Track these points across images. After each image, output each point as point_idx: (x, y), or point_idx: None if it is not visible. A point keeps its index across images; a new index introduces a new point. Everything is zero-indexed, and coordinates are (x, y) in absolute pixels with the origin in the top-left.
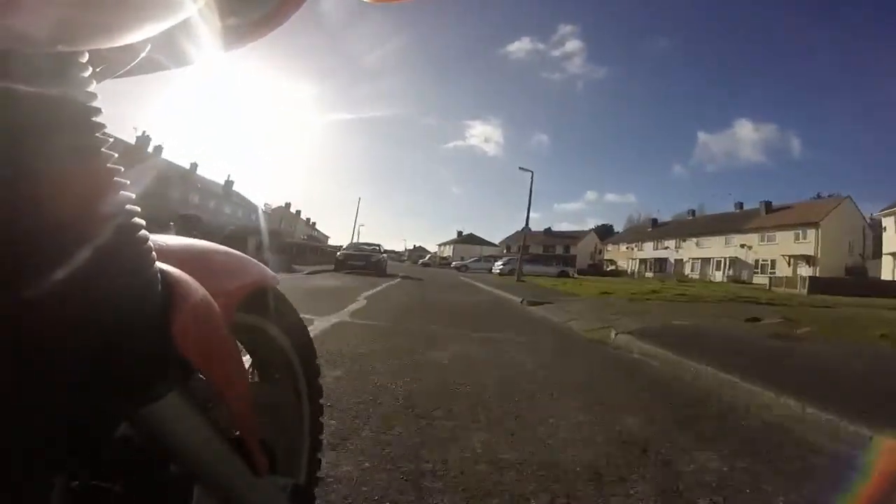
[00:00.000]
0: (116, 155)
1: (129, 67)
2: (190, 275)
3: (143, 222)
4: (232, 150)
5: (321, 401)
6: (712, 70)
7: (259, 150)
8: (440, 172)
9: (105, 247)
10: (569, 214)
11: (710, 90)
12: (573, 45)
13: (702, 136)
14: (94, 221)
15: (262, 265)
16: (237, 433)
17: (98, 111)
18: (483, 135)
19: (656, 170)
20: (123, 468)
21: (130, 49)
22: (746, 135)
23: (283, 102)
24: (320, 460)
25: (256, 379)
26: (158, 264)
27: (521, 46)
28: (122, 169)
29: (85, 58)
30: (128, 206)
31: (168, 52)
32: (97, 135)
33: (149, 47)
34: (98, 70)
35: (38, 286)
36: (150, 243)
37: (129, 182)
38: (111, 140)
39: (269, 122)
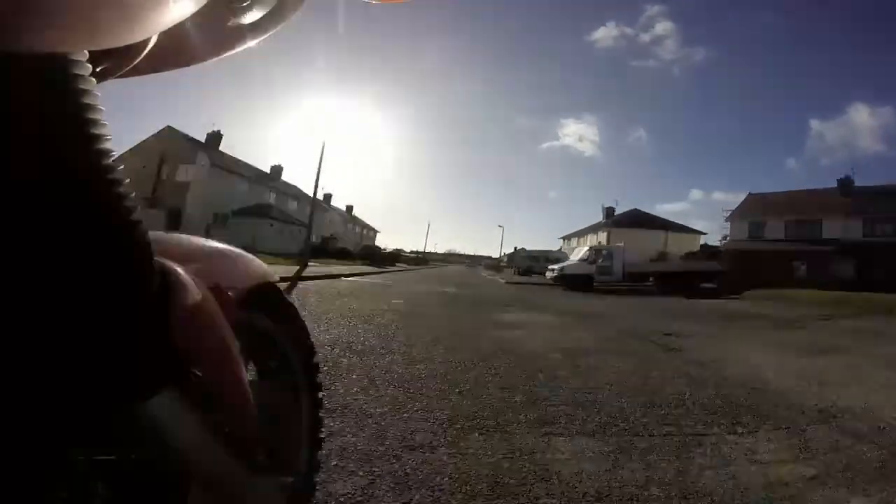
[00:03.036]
0: (116, 153)
1: (129, 67)
2: (191, 272)
3: (142, 219)
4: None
5: (320, 397)
6: (821, 47)
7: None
8: (535, 175)
9: (101, 244)
10: (673, 215)
11: (820, 70)
12: (663, 26)
13: (815, 124)
14: (92, 219)
15: (263, 263)
16: (235, 431)
17: (98, 111)
18: (577, 133)
19: (767, 164)
20: (120, 464)
21: (131, 49)
22: (862, 121)
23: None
24: (319, 458)
25: (256, 377)
26: (159, 261)
27: (606, 33)
28: (122, 167)
29: (85, 58)
30: (126, 204)
31: (169, 52)
32: (96, 134)
33: (149, 47)
34: (99, 70)
35: (34, 282)
36: (149, 240)
37: (128, 180)
38: (110, 138)
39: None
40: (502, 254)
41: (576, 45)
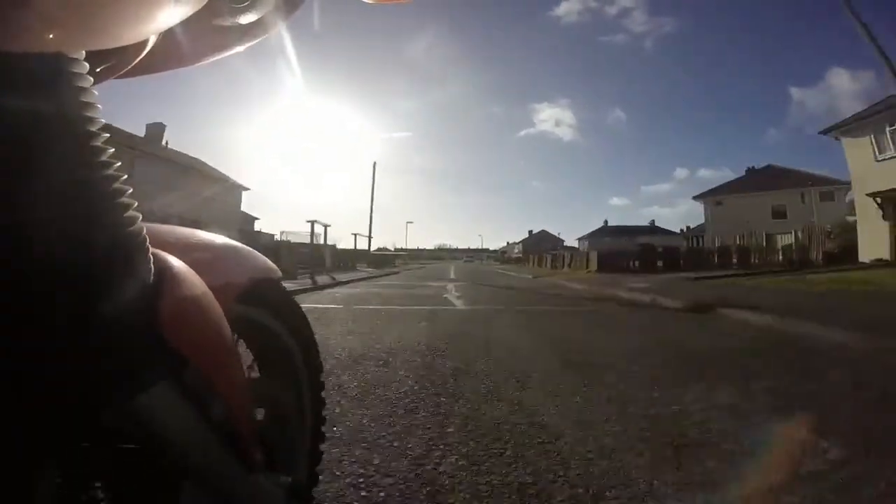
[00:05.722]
0: (113, 150)
1: (129, 68)
2: (189, 265)
3: (138, 215)
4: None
5: (322, 395)
6: (794, 8)
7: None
8: (516, 166)
9: (94, 234)
10: (659, 197)
11: (796, 34)
12: None
13: (795, 92)
14: (86, 211)
15: (266, 258)
16: (232, 427)
17: (97, 109)
18: (553, 118)
19: (751, 137)
20: (111, 461)
21: (131, 49)
22: (843, 85)
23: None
24: (321, 457)
25: (256, 373)
26: (155, 253)
27: (569, 8)
28: (119, 163)
29: (84, 58)
30: (121, 199)
31: (169, 52)
32: (94, 131)
33: (149, 48)
34: (98, 70)
35: (26, 275)
36: (144, 232)
37: (125, 175)
38: (107, 135)
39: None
40: (507, 243)
41: (539, 23)
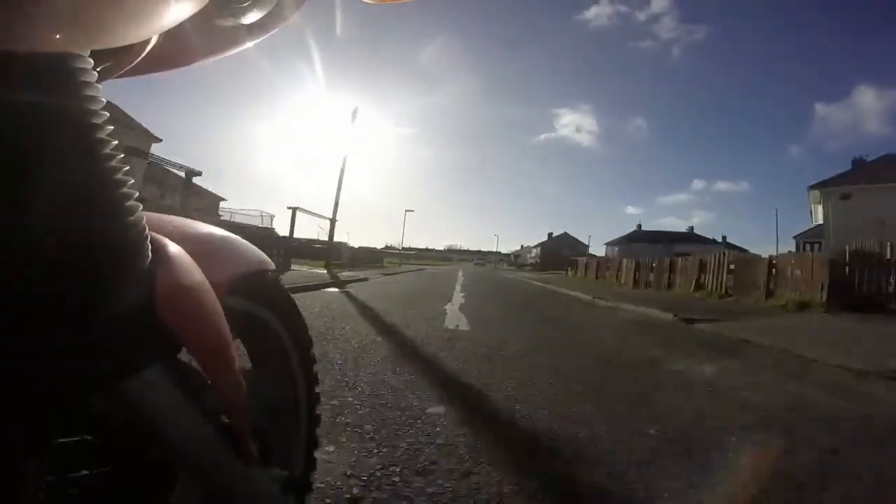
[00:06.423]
0: (116, 142)
1: (130, 67)
2: (187, 253)
3: (139, 205)
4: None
5: (317, 390)
6: (828, 24)
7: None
8: (531, 169)
9: (95, 226)
10: (673, 207)
11: (826, 49)
12: (660, 3)
13: (819, 107)
14: (90, 204)
15: (261, 252)
16: (228, 420)
17: (100, 106)
18: (574, 124)
19: (770, 151)
20: (106, 451)
21: (132, 49)
22: (869, 103)
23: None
24: (316, 449)
25: (251, 366)
26: (154, 238)
27: (599, 11)
28: (122, 154)
29: (87, 57)
30: (124, 190)
31: (169, 52)
32: (98, 124)
33: (150, 47)
34: (100, 69)
35: (28, 261)
36: (144, 222)
37: (127, 167)
38: (111, 128)
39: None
40: (522, 246)
41: (567, 27)
